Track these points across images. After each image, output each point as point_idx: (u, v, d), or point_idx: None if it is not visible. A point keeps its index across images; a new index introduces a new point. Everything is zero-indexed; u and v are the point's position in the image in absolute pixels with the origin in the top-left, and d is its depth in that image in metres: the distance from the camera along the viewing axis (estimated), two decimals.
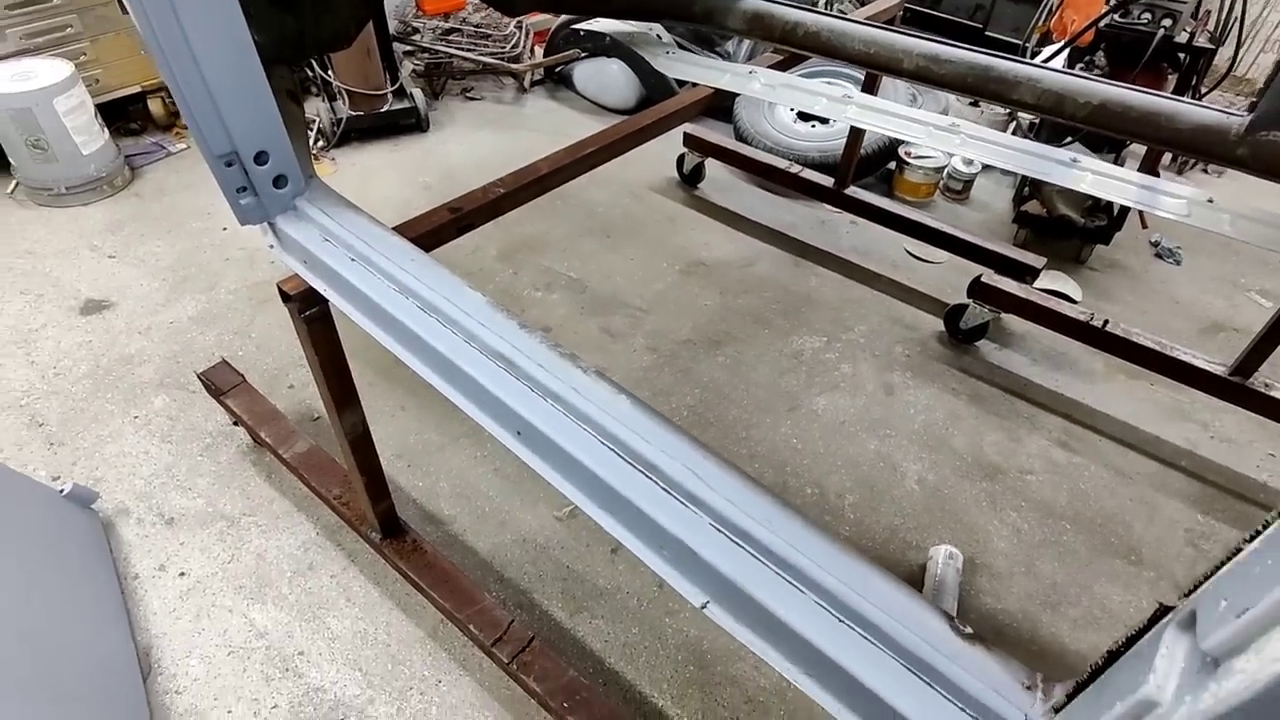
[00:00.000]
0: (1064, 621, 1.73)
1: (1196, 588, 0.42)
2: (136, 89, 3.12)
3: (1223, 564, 0.40)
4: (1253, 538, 0.39)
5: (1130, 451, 2.15)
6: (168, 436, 1.98)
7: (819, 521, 1.84)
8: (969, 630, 0.65)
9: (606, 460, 0.79)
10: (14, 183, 2.82)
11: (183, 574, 1.69)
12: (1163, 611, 0.44)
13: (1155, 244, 3.01)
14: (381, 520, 1.52)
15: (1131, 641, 0.47)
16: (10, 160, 2.74)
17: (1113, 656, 0.49)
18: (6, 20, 2.68)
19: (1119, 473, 2.08)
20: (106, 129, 2.87)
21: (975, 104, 3.69)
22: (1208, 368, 2.06)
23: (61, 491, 1.69)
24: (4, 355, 2.17)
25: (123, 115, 3.20)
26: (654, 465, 0.77)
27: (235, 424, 1.92)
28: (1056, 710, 0.56)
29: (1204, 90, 2.71)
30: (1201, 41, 2.47)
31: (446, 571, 1.50)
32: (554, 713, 1.31)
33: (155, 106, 3.22)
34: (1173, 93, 2.60)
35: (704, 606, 0.72)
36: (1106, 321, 2.16)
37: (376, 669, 1.55)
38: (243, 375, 1.90)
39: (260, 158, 1.05)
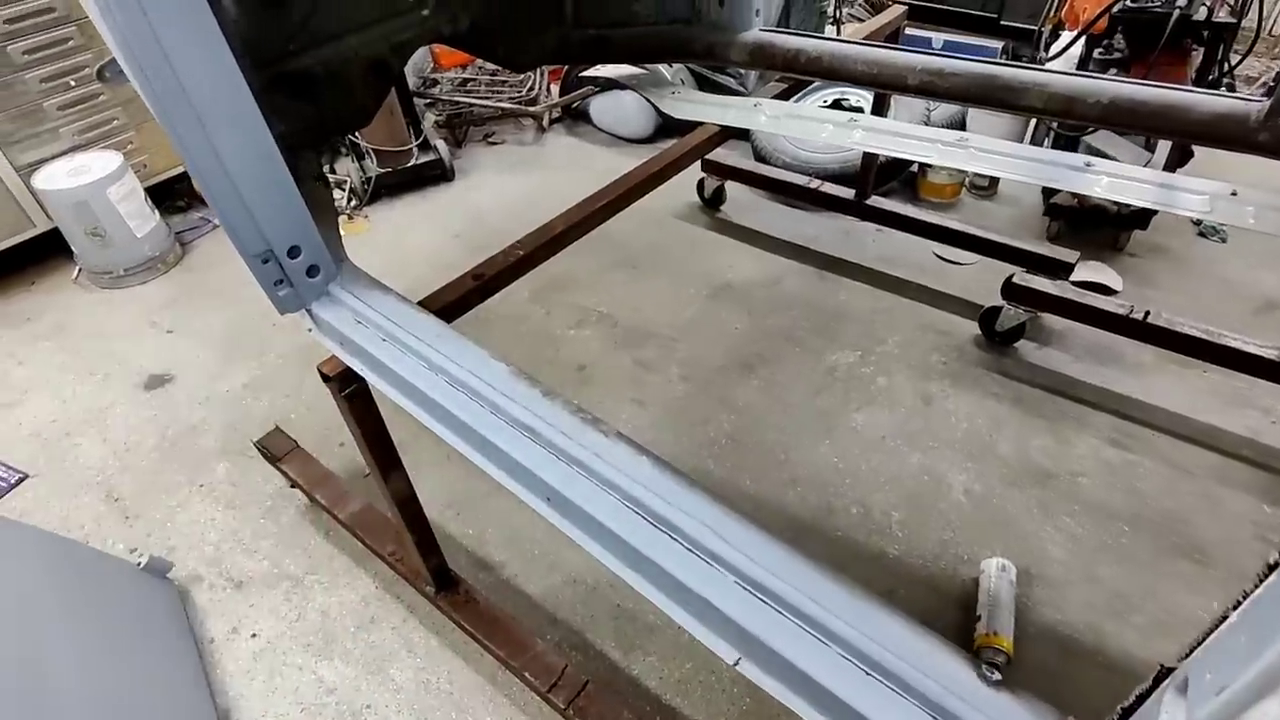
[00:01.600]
0: (1131, 630, 1.69)
1: (1193, 650, 0.43)
2: (180, 169, 3.30)
3: (1211, 630, 0.41)
4: (1237, 605, 0.40)
5: (1187, 445, 2.08)
6: (231, 502, 2.08)
7: (863, 543, 1.84)
8: (996, 677, 0.66)
9: (632, 523, 0.82)
10: (77, 269, 3.01)
11: (254, 635, 1.78)
12: (1164, 673, 0.45)
13: (1198, 223, 2.92)
14: (434, 574, 1.58)
15: (1140, 700, 0.48)
16: (73, 249, 2.93)
17: (1126, 713, 0.50)
18: (60, 120, 2.87)
19: (1177, 468, 2.02)
20: (156, 210, 3.04)
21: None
22: (1262, 353, 1.99)
23: (139, 564, 1.79)
24: (80, 435, 2.32)
25: (169, 194, 3.39)
26: (675, 526, 0.80)
27: (293, 486, 2.01)
28: None
29: (1235, 61, 2.63)
30: (1222, 16, 2.40)
31: (499, 620, 1.55)
32: None
33: (198, 183, 3.39)
34: (1198, 69, 2.54)
35: (736, 664, 0.75)
36: (1148, 313, 2.10)
37: (441, 718, 1.60)
38: (295, 441, 1.99)
39: (293, 251, 1.12)
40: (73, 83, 2.86)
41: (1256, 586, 0.38)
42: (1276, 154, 1.42)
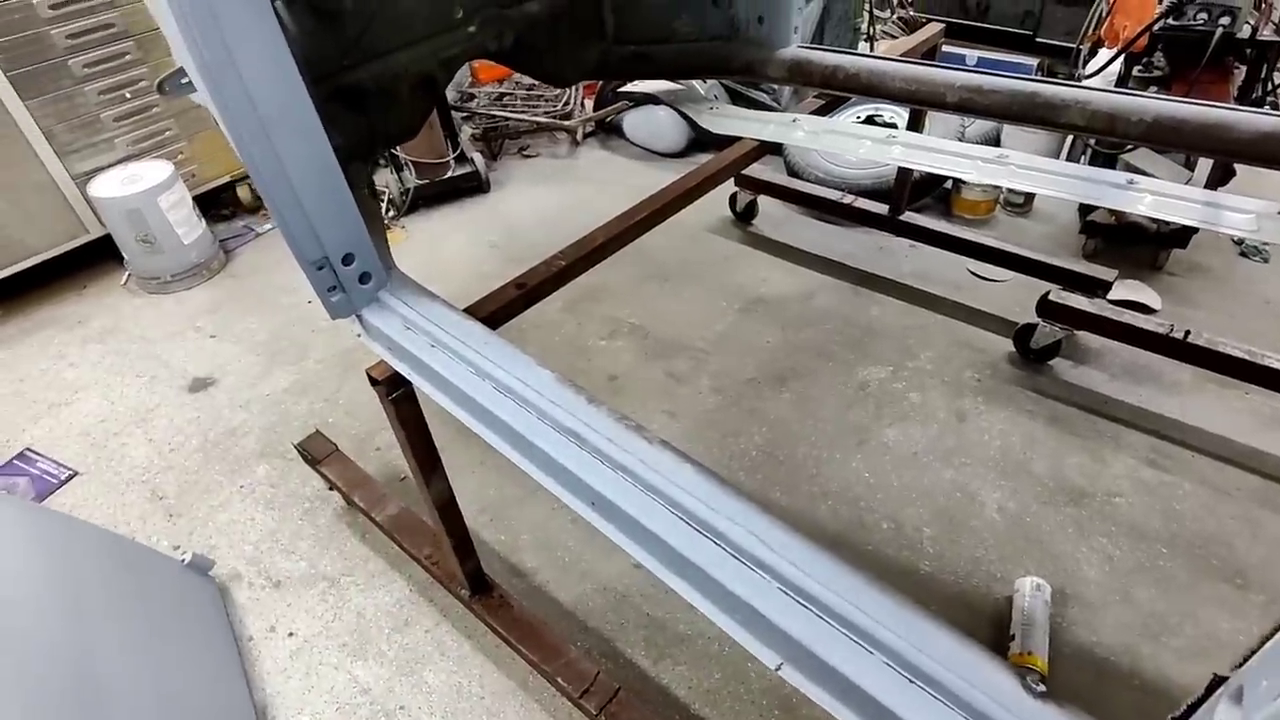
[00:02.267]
0: (1167, 653, 1.66)
1: (1247, 659, 0.44)
2: (227, 178, 3.41)
3: (1268, 637, 0.42)
4: None
5: (1227, 466, 2.05)
6: (271, 503, 2.13)
7: (894, 559, 1.83)
8: (1041, 689, 0.67)
9: (676, 529, 0.83)
10: (126, 274, 3.11)
11: (291, 634, 1.82)
12: (1217, 682, 0.46)
13: (1239, 242, 2.87)
14: (470, 578, 1.60)
15: (1192, 709, 0.48)
16: (123, 254, 3.03)
17: None
18: (116, 130, 2.98)
19: (1216, 490, 1.99)
20: (203, 218, 3.14)
21: None
22: None
23: (183, 561, 1.84)
24: (127, 435, 2.39)
25: (216, 203, 3.50)
26: (720, 532, 0.81)
27: (331, 489, 2.05)
28: None
29: (1278, 80, 2.60)
30: (1267, 34, 2.38)
31: (532, 625, 1.57)
32: None
33: (243, 193, 3.50)
34: (1241, 88, 2.51)
35: (778, 669, 0.76)
36: (1188, 333, 2.08)
37: None
38: (335, 444, 2.04)
39: (347, 259, 1.16)
40: (128, 95, 2.97)
41: None
42: None
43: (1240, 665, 0.44)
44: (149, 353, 2.75)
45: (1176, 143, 1.54)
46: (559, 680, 1.45)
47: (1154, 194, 1.40)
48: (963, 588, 1.81)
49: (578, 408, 0.97)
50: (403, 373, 1.15)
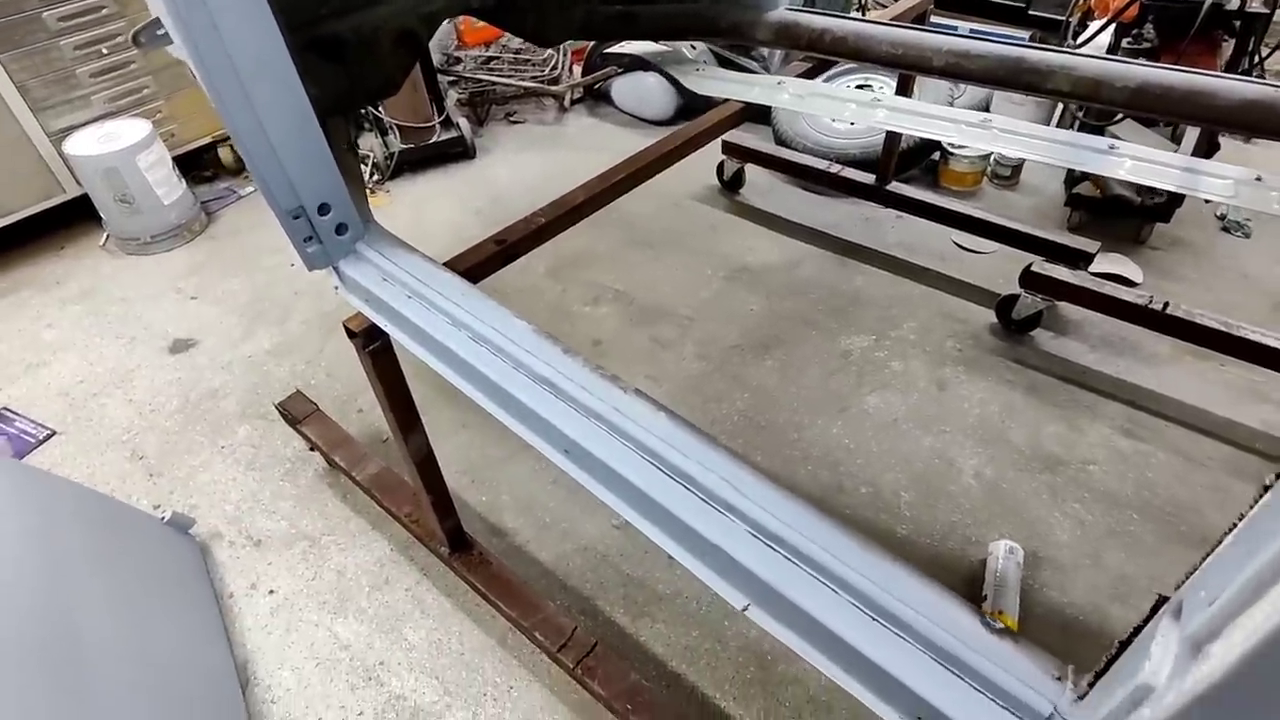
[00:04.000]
0: (1135, 614, 1.67)
1: (1188, 578, 0.45)
2: (208, 139, 3.35)
3: (1207, 555, 0.43)
4: (1233, 529, 0.42)
5: (1201, 436, 2.08)
6: (252, 464, 2.13)
7: (872, 521, 1.86)
8: (1000, 626, 0.68)
9: (648, 474, 0.84)
10: (105, 235, 3.06)
11: (272, 591, 1.82)
12: (1161, 602, 0.47)
13: (1221, 217, 2.89)
14: (449, 536, 1.61)
15: (1138, 631, 0.50)
16: (102, 215, 2.98)
17: (1123, 646, 0.52)
18: (92, 87, 2.92)
19: (1189, 459, 2.02)
20: (183, 179, 3.09)
21: None
22: None
23: (163, 519, 1.84)
24: (106, 396, 2.37)
25: (197, 164, 3.44)
26: (692, 477, 0.82)
27: (312, 449, 2.05)
28: (1080, 699, 0.59)
29: (1265, 53, 2.60)
30: (1255, 6, 2.37)
31: (511, 582, 1.58)
32: (619, 714, 1.37)
33: (225, 154, 3.45)
34: (1228, 61, 2.51)
35: (745, 609, 0.77)
36: (1167, 304, 2.10)
37: (452, 677, 1.64)
38: (315, 404, 2.03)
39: (323, 209, 1.14)
40: (105, 50, 2.91)
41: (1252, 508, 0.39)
42: None
43: (1181, 585, 0.45)
44: (129, 314, 2.72)
45: (1160, 109, 1.54)
46: (536, 635, 1.47)
47: (1134, 159, 1.41)
48: (938, 550, 1.84)
49: (553, 357, 0.97)
50: (379, 324, 1.14)
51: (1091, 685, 0.57)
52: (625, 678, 1.40)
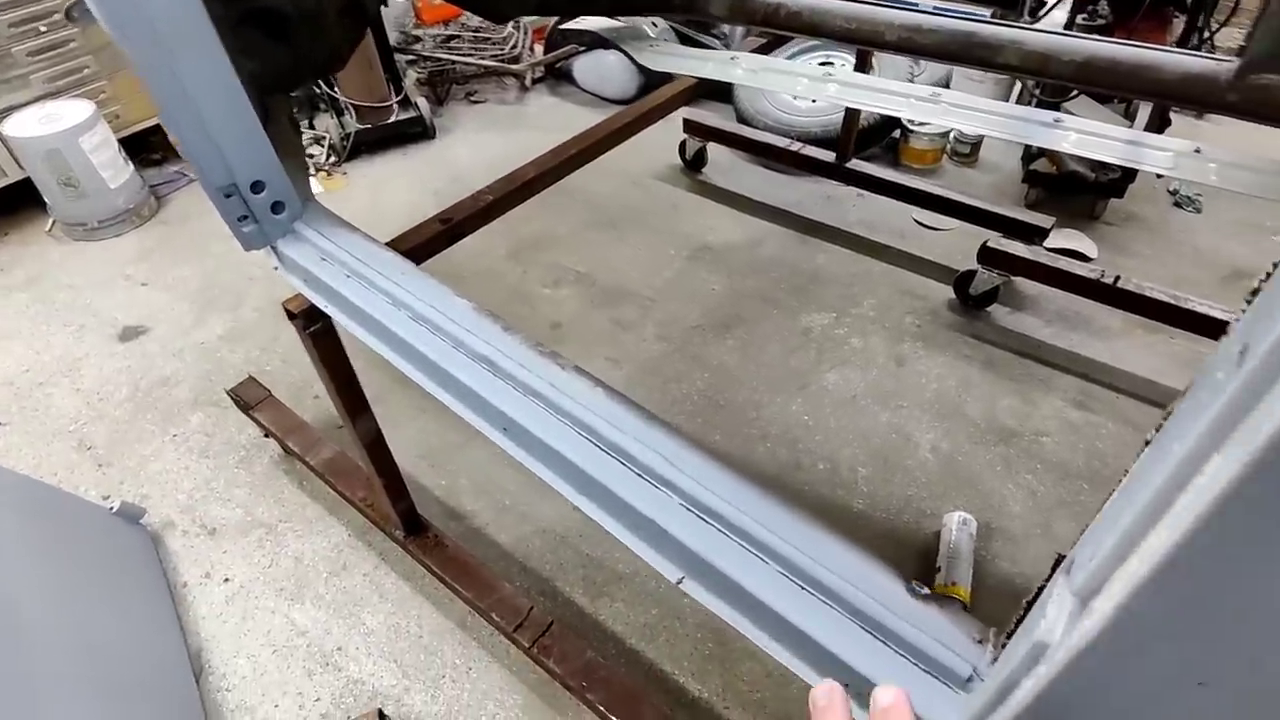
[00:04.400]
0: None
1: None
2: (155, 121, 3.24)
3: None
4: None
5: (1150, 407, 2.12)
6: (205, 452, 2.09)
7: (829, 497, 1.87)
8: (925, 590, 0.69)
9: (585, 451, 0.83)
10: (51, 221, 2.96)
11: (227, 580, 1.80)
12: (1059, 560, 0.48)
13: (1173, 192, 2.95)
14: (403, 519, 1.60)
15: (1041, 590, 0.50)
16: (46, 200, 2.88)
17: (1029, 606, 0.52)
18: (30, 66, 2.81)
19: (1138, 429, 2.06)
20: (131, 162, 2.99)
21: None
22: (1226, 318, 2.03)
23: (111, 509, 1.80)
24: (52, 385, 2.31)
25: (144, 147, 3.33)
26: (628, 452, 0.81)
27: (266, 436, 2.02)
28: (994, 661, 0.60)
29: (1214, 28, 2.64)
30: None
31: (468, 564, 1.58)
32: (574, 692, 1.37)
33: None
34: (1181, 35, 2.55)
35: (679, 582, 0.77)
36: (1118, 278, 2.13)
37: (410, 660, 1.63)
38: (269, 389, 2.00)
39: (257, 187, 1.11)
40: (43, 28, 2.80)
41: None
42: (1245, 114, 1.43)
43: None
44: (76, 301, 2.64)
45: (1107, 84, 1.56)
46: (493, 615, 1.47)
47: (1079, 132, 1.42)
48: (894, 524, 1.87)
49: (492, 335, 0.95)
50: (319, 305, 1.12)
51: (1003, 646, 0.58)
52: (581, 655, 1.41)
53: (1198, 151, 1.35)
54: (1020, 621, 0.55)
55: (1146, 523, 0.34)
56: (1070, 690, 0.41)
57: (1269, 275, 0.32)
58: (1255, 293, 0.33)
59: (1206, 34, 2.51)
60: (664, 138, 3.08)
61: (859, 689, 0.65)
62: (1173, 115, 2.67)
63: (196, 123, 1.03)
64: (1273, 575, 0.29)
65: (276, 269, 1.20)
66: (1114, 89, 1.57)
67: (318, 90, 3.39)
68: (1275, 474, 0.27)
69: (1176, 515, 0.32)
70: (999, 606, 1.68)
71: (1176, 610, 0.33)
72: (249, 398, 1.95)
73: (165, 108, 1.00)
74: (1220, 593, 0.31)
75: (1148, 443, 0.40)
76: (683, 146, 3.13)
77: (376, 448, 1.40)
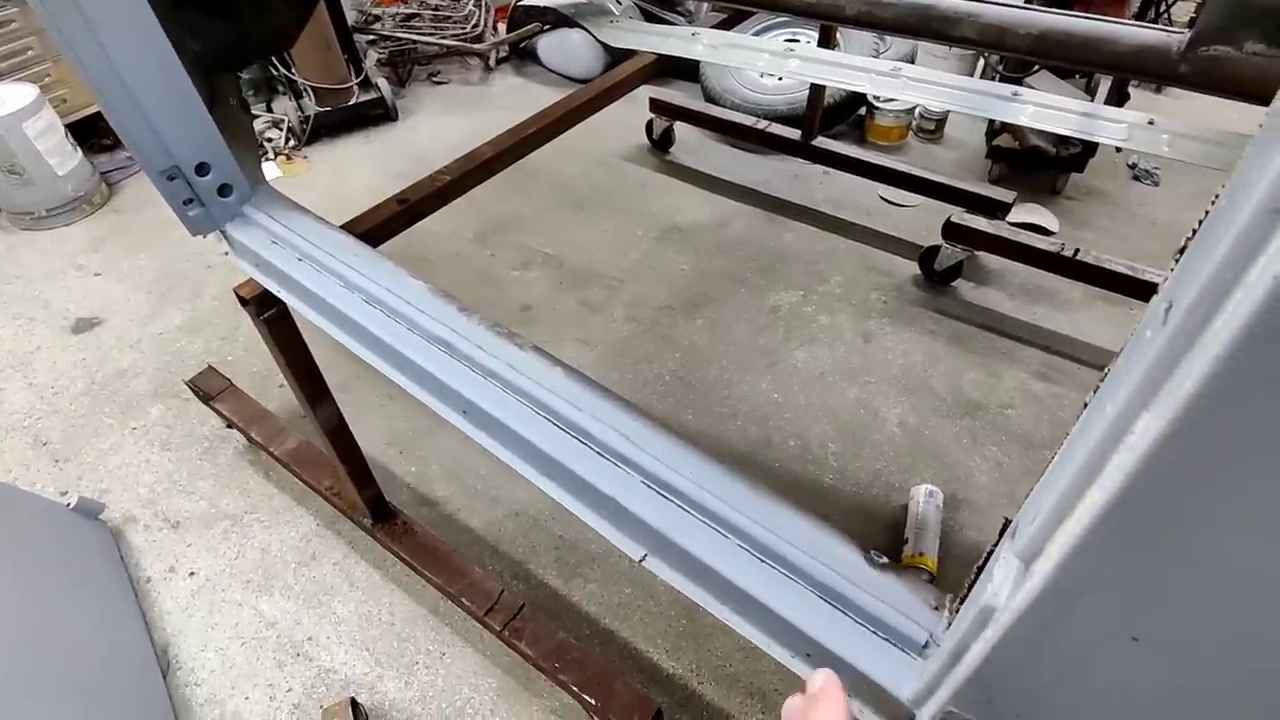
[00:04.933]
0: None
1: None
2: None
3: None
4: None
5: None
6: (167, 444, 2.04)
7: (799, 473, 1.89)
8: (883, 560, 0.69)
9: (545, 431, 0.83)
10: None
11: (192, 574, 1.77)
12: (1005, 526, 0.48)
13: (1133, 166, 2.99)
14: (371, 506, 1.58)
15: (990, 554, 0.51)
16: None
17: (979, 571, 0.53)
18: None
19: None
20: (79, 148, 2.90)
21: None
22: None
23: (68, 505, 1.75)
24: (3, 380, 2.24)
25: (95, 132, 3.22)
26: (587, 431, 0.81)
27: (229, 426, 1.97)
28: (949, 626, 0.60)
29: (1170, 2, 2.68)
30: None
31: (437, 550, 1.57)
32: (547, 673, 1.37)
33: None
34: (1138, 9, 2.58)
35: (642, 560, 0.77)
36: (1077, 251, 2.16)
37: (383, 647, 1.62)
38: (229, 379, 1.95)
39: (201, 169, 1.08)
40: None
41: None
42: (1195, 86, 1.45)
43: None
44: (25, 293, 2.56)
45: (1063, 56, 1.57)
46: (464, 600, 1.46)
47: (1036, 105, 1.43)
48: (863, 498, 1.89)
49: (448, 317, 0.94)
50: (271, 289, 1.09)
51: (957, 611, 0.58)
52: (553, 637, 1.41)
53: (1151, 124, 1.36)
54: (971, 586, 0.55)
55: (1082, 483, 0.34)
56: (1015, 650, 0.41)
57: (1194, 233, 0.32)
58: (1182, 251, 0.33)
59: (1163, 7, 2.54)
60: (630, 117, 3.06)
61: (821, 659, 0.66)
62: (1132, 90, 2.71)
63: (132, 105, 0.99)
64: (1199, 529, 0.30)
65: (226, 254, 1.17)
66: (1070, 62, 1.58)
67: (275, 72, 3.30)
68: (1199, 428, 0.27)
69: (1109, 475, 0.32)
70: (966, 575, 1.71)
71: (1109, 568, 0.34)
72: (209, 388, 1.91)
73: (97, 90, 0.96)
74: (1151, 549, 0.32)
75: (1085, 405, 0.41)
76: (650, 126, 3.11)
77: (339, 435, 1.38)
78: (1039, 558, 0.39)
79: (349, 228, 1.22)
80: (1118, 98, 2.65)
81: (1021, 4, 1.64)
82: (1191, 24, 1.48)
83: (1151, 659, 0.35)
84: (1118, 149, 2.96)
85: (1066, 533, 0.35)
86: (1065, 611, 0.37)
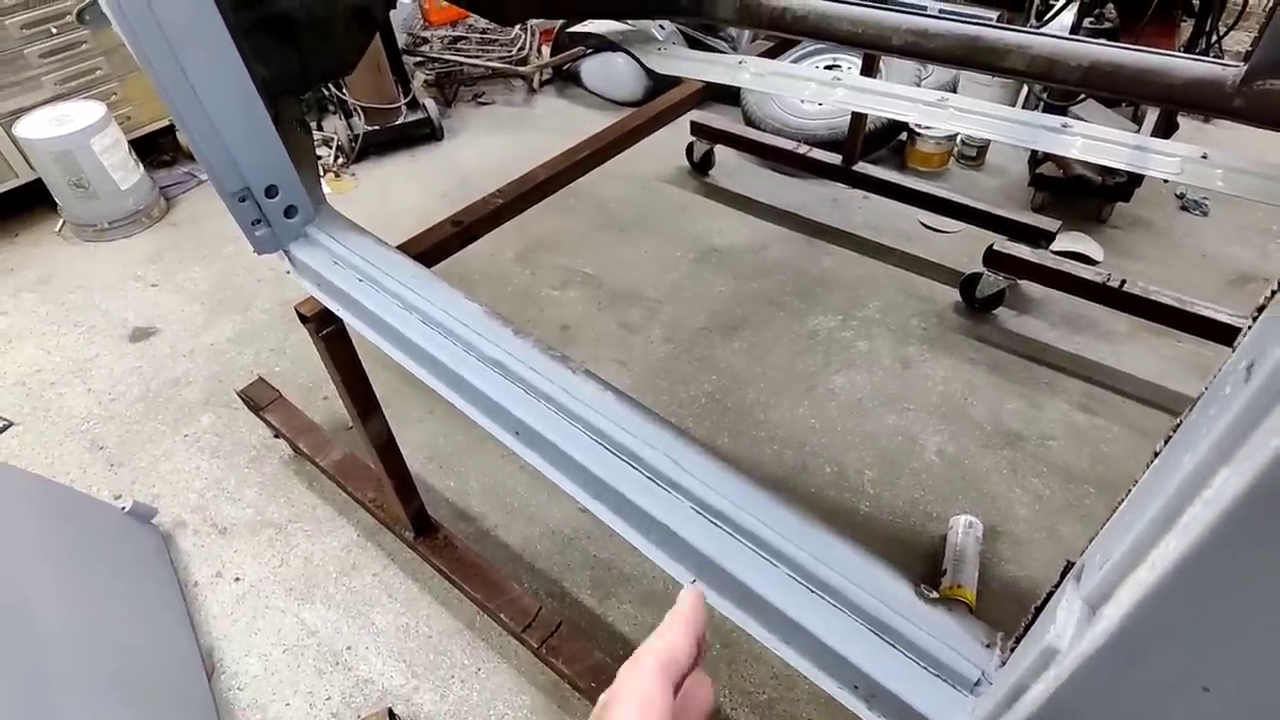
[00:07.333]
0: None
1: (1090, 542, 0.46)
2: (165, 122, 3.27)
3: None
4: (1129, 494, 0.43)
5: (1155, 411, 2.13)
6: (216, 452, 2.11)
7: (835, 500, 1.88)
8: (934, 594, 0.70)
9: (595, 454, 0.84)
10: (61, 222, 2.99)
11: (238, 579, 1.81)
12: (1068, 568, 0.49)
13: (1180, 196, 2.94)
14: (413, 520, 1.61)
15: (1050, 595, 0.51)
16: (56, 201, 2.91)
17: (1038, 611, 0.53)
18: (41, 68, 2.83)
19: (1143, 433, 2.07)
20: (141, 163, 3.02)
21: None
22: (1231, 321, 2.03)
23: (123, 509, 1.81)
24: (64, 385, 2.33)
25: (155, 148, 3.36)
26: (637, 455, 0.82)
27: (276, 437, 2.03)
28: (1003, 665, 0.60)
29: (1222, 32, 2.64)
30: None
31: (477, 565, 1.59)
32: (583, 693, 1.38)
33: (183, 138, 3.37)
34: (1189, 39, 2.55)
35: (693, 583, 0.78)
36: (1124, 281, 2.13)
37: (420, 660, 1.65)
38: (279, 390, 2.01)
39: (270, 191, 1.13)
40: (54, 30, 2.82)
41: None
42: (1250, 120, 1.43)
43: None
44: (87, 302, 2.67)
45: (1112, 89, 1.56)
46: (502, 616, 1.48)
47: (1086, 138, 1.42)
48: (900, 527, 1.87)
49: (503, 339, 0.96)
50: (331, 308, 1.13)
51: (1012, 650, 0.58)
52: (589, 656, 1.42)
53: (1204, 157, 1.35)
54: (1029, 626, 0.55)
55: (1156, 532, 0.35)
56: (1079, 695, 0.42)
57: (1274, 294, 0.33)
58: (1261, 309, 0.34)
59: (1214, 38, 2.51)
60: (671, 140, 3.09)
61: (868, 691, 0.66)
62: (1180, 119, 2.67)
63: (210, 129, 1.04)
64: (1275, 585, 0.30)
65: (289, 273, 1.22)
66: (1119, 94, 1.58)
67: (326, 92, 3.41)
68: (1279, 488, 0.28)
69: (1185, 526, 0.32)
70: (1005, 610, 1.69)
71: (1183, 617, 0.34)
72: (259, 399, 1.97)
73: (179, 114, 1.01)
74: (1225, 601, 0.32)
75: (1156, 453, 0.41)
76: (690, 149, 3.14)
77: (388, 449, 1.41)
78: (1107, 602, 0.39)
79: (405, 249, 1.26)
80: (1165, 127, 2.62)
81: (1069, 35, 1.64)
82: (1247, 57, 1.47)
83: (1222, 709, 0.36)
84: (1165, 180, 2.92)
85: (1138, 580, 0.36)
86: (1134, 658, 0.38)
